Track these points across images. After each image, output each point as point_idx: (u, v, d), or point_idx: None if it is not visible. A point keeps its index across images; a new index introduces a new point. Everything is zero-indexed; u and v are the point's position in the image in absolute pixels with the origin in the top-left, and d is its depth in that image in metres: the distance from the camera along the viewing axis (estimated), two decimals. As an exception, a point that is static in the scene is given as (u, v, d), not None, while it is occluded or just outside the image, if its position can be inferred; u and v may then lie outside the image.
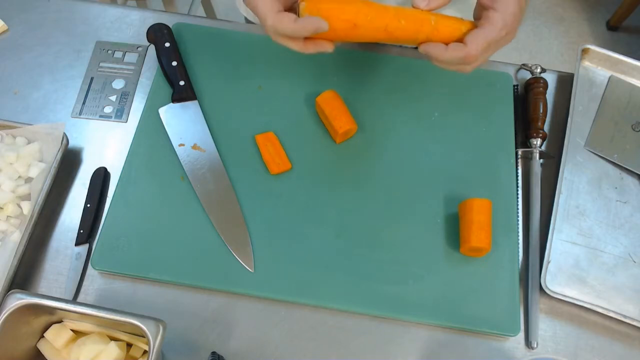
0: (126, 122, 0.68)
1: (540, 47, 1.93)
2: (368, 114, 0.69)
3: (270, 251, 0.60)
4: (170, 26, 0.71)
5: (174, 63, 0.67)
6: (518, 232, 0.64)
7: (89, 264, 0.59)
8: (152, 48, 0.70)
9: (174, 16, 0.75)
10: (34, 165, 0.62)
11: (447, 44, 0.51)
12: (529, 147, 0.69)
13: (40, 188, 0.60)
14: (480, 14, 0.53)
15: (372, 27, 0.50)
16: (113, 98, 0.70)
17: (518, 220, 0.65)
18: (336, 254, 0.60)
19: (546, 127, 0.71)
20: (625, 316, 0.60)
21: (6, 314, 0.48)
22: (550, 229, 0.63)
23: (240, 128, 0.67)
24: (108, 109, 0.69)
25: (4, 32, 0.73)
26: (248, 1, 0.51)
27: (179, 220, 0.61)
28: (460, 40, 0.51)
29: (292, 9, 0.53)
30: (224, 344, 0.57)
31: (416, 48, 0.75)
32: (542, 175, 0.67)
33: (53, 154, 0.62)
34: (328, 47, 0.50)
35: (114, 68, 0.72)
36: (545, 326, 0.60)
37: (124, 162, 0.64)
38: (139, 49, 0.73)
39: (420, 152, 0.67)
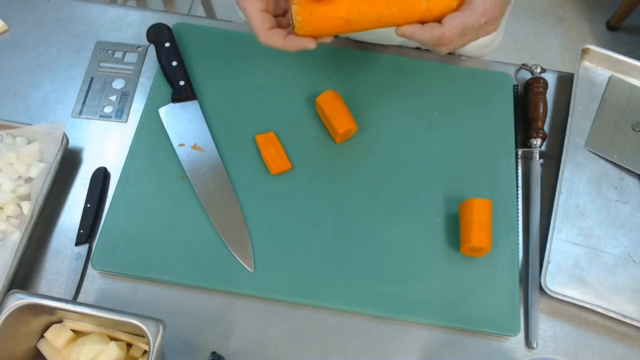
0: (126, 122, 0.68)
1: (540, 47, 1.93)
2: (368, 114, 0.69)
3: (270, 251, 0.60)
4: (170, 26, 0.71)
5: (174, 63, 0.67)
6: (518, 232, 0.64)
7: (89, 264, 0.59)
8: (152, 48, 0.70)
9: (174, 16, 0.75)
10: (34, 165, 0.62)
11: (438, 19, 0.51)
12: (529, 147, 0.69)
13: (40, 188, 0.60)
14: None
15: (365, 20, 0.51)
16: (113, 98, 0.70)
17: (518, 220, 0.65)
18: (336, 254, 0.60)
19: (546, 127, 0.71)
20: (625, 316, 0.60)
21: (6, 314, 0.48)
22: (550, 229, 0.63)
23: (240, 128, 0.67)
24: (108, 109, 0.69)
25: (4, 32, 0.73)
26: (240, 8, 0.52)
27: (179, 220, 0.61)
28: (451, 12, 0.51)
29: (282, 9, 0.54)
30: (224, 344, 0.57)
31: (417, 48, 0.76)
32: (542, 175, 0.67)
33: (53, 154, 0.62)
34: (310, 45, 0.52)
35: (114, 68, 0.72)
36: (545, 326, 0.60)
37: (124, 162, 0.64)
38: (139, 49, 0.73)
39: (420, 152, 0.67)
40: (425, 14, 0.51)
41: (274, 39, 0.51)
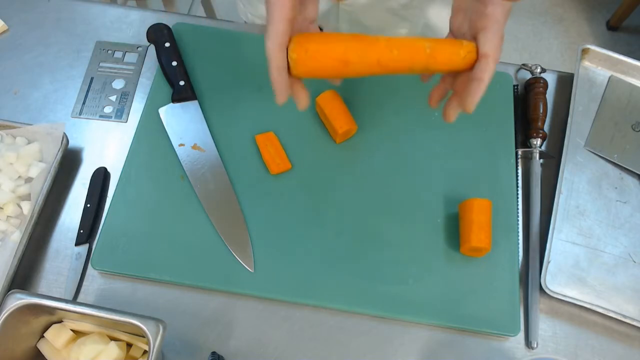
0: (126, 122, 0.68)
1: (540, 47, 1.93)
2: (368, 114, 0.69)
3: (270, 251, 0.60)
4: (170, 26, 0.71)
5: (174, 63, 0.67)
6: (518, 232, 0.64)
7: (89, 264, 0.59)
8: (152, 48, 0.70)
9: (174, 16, 0.75)
10: (34, 165, 0.62)
11: (446, 70, 0.50)
12: (529, 147, 0.69)
13: (40, 188, 0.60)
14: (474, 7, 0.51)
15: (363, 61, 0.48)
16: (113, 98, 0.70)
17: (518, 220, 0.65)
18: (336, 254, 0.60)
19: (546, 127, 0.71)
20: (625, 316, 0.60)
21: (6, 314, 0.48)
22: (550, 229, 0.63)
23: (240, 128, 0.67)
24: (108, 109, 0.69)
25: (4, 32, 0.73)
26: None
27: (178, 220, 0.61)
28: (460, 63, 0.49)
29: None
30: (224, 344, 0.57)
31: None
32: (542, 175, 0.67)
33: (53, 154, 0.62)
34: (302, 103, 0.50)
35: (114, 68, 0.72)
36: (545, 326, 0.60)
37: (124, 162, 0.64)
38: (139, 49, 0.73)
39: (420, 152, 0.67)
40: (429, 61, 0.48)
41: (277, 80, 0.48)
